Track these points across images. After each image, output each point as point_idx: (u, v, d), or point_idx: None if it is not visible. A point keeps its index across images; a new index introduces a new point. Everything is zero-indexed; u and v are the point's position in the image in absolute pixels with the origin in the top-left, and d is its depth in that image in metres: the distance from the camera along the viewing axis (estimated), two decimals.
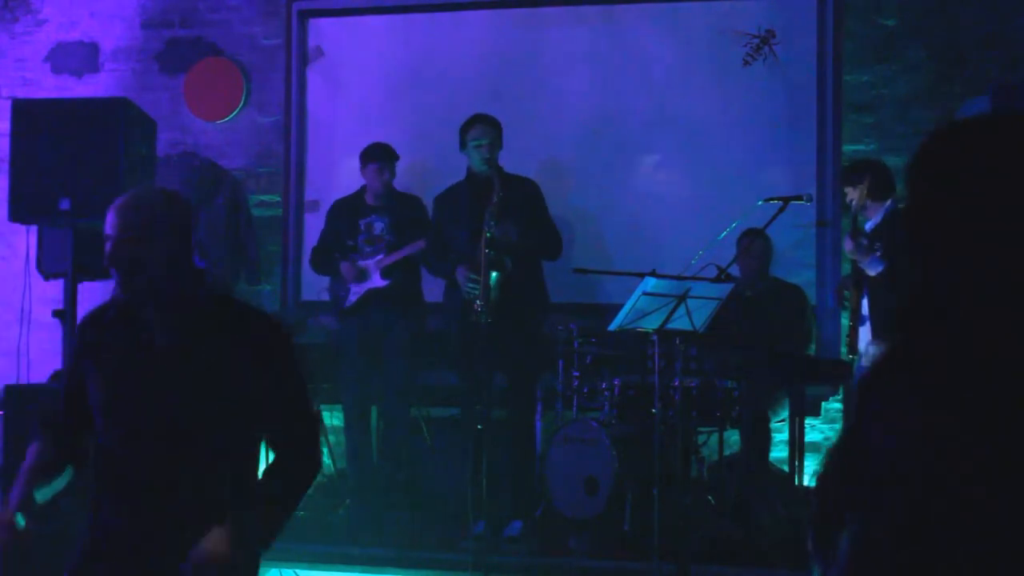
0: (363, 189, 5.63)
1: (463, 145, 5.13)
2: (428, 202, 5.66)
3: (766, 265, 5.62)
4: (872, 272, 4.80)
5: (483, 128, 5.09)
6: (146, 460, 2.33)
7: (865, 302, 4.94)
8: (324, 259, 5.63)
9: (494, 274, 4.68)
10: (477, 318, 4.64)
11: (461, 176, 5.32)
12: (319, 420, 2.45)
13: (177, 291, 2.37)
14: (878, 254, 4.75)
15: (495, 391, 5.05)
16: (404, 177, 5.81)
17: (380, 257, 5.48)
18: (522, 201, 5.07)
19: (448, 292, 5.32)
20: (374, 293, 5.47)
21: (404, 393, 5.46)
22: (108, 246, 2.33)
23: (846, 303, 5.08)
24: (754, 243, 5.35)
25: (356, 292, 5.49)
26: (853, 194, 4.95)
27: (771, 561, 4.58)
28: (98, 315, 2.47)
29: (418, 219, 5.57)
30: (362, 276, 5.48)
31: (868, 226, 4.95)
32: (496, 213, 4.78)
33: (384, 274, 5.45)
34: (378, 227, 5.54)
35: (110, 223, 2.34)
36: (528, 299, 5.07)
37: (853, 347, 4.94)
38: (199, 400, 2.33)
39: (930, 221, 1.34)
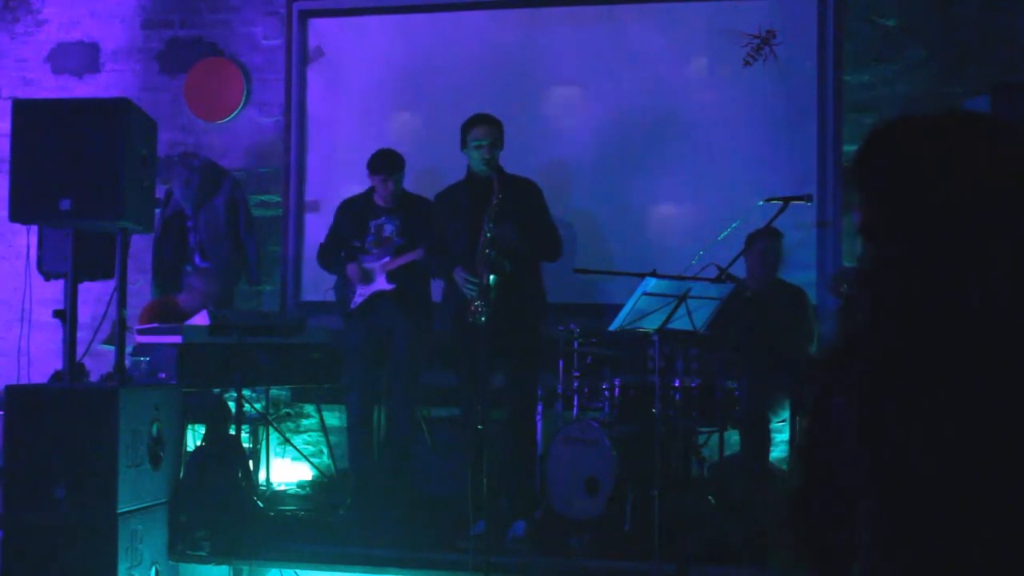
0: (373, 189, 5.64)
1: (464, 144, 5.12)
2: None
3: (778, 265, 5.59)
4: None
5: (484, 128, 5.07)
6: None
7: None
8: (332, 257, 5.64)
9: (492, 276, 4.68)
10: (474, 319, 4.64)
11: (461, 175, 5.32)
12: None
13: None
14: None
15: (494, 391, 5.05)
16: (405, 176, 5.81)
17: (386, 260, 5.48)
18: (521, 202, 5.06)
19: (446, 292, 5.32)
20: (380, 295, 5.48)
21: (410, 394, 5.47)
22: None
23: (843, 287, 5.07)
24: (769, 243, 5.35)
25: (362, 294, 5.50)
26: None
27: (771, 561, 4.57)
28: None
29: (428, 222, 5.57)
30: (367, 278, 5.48)
31: None
32: (494, 214, 4.78)
33: (389, 278, 5.46)
34: (388, 229, 5.55)
35: None
36: (526, 299, 5.07)
37: None
38: None
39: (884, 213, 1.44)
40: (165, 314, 5.74)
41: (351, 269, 5.49)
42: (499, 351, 4.85)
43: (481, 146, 5.02)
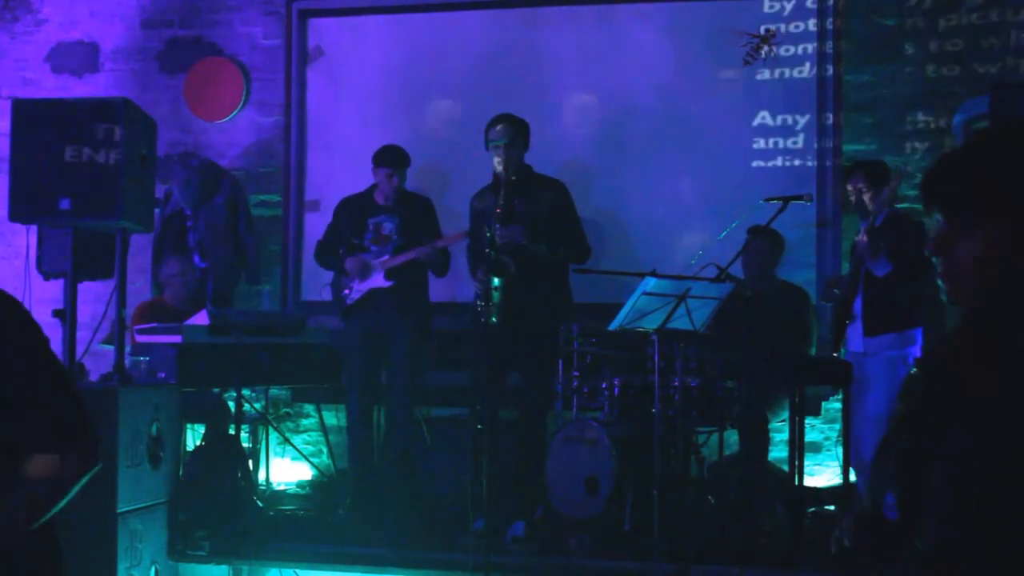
0: (373, 187, 5.63)
1: (486, 145, 5.15)
2: (434, 202, 5.70)
3: (770, 265, 5.60)
4: (880, 273, 4.77)
5: (500, 129, 5.09)
6: None
7: (858, 301, 4.95)
8: (329, 254, 5.64)
9: (496, 278, 4.68)
10: (485, 318, 4.64)
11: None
12: (79, 405, 2.17)
13: None
14: (885, 255, 4.74)
15: (507, 391, 5.06)
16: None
17: (385, 258, 5.48)
18: (542, 203, 5.06)
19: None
20: (377, 293, 5.48)
21: (409, 393, 5.47)
22: None
23: (835, 291, 5.09)
24: (759, 242, 5.35)
25: (359, 290, 5.50)
26: (873, 192, 4.89)
27: (771, 561, 4.57)
28: None
29: (427, 221, 5.58)
30: (366, 272, 5.48)
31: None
32: (500, 215, 4.78)
33: (388, 275, 5.46)
34: (387, 227, 5.55)
35: None
36: (545, 301, 5.05)
37: (838, 344, 4.98)
38: None
39: None
40: (156, 314, 5.74)
41: (350, 263, 5.49)
42: (514, 352, 4.85)
43: (497, 147, 5.04)
